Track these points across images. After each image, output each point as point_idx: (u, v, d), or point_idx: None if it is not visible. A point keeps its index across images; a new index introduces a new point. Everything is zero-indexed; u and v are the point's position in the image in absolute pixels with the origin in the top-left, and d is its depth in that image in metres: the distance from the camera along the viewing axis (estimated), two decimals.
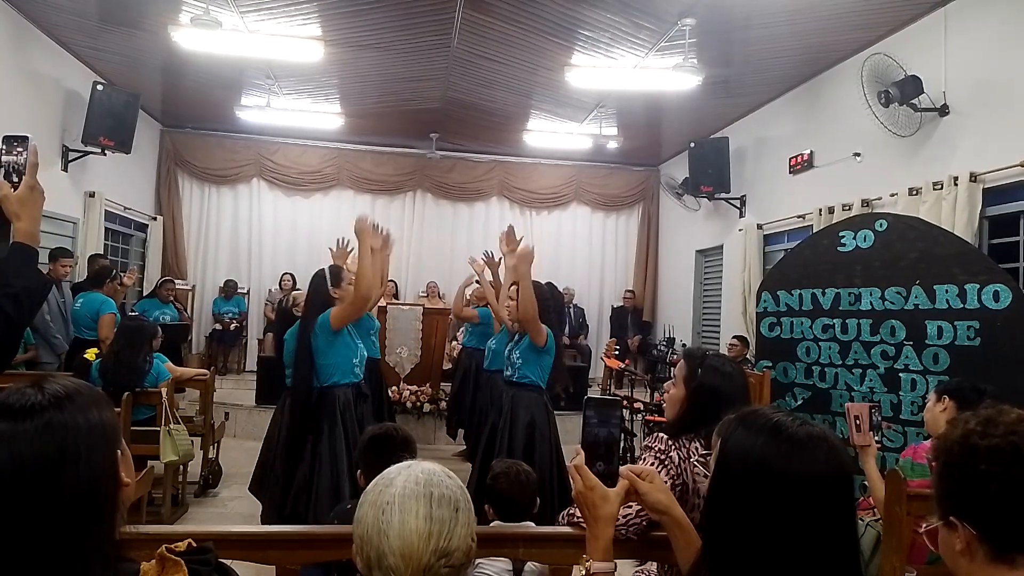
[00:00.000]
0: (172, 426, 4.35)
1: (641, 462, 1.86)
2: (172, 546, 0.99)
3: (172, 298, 8.15)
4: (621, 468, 1.41)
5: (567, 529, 1.76)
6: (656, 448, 1.90)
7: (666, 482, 1.73)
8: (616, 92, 7.29)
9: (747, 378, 2.03)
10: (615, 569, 1.34)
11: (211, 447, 5.34)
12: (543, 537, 1.84)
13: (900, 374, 3.87)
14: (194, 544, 1.02)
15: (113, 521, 0.99)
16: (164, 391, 4.43)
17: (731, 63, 6.56)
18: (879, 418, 2.81)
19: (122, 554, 1.01)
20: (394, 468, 1.12)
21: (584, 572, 1.32)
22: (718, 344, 8.30)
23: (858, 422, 2.72)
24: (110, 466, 1.00)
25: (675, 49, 5.93)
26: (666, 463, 1.85)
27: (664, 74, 6.16)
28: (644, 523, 1.71)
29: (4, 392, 0.98)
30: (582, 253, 10.89)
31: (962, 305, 3.61)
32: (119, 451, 1.04)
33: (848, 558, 1.05)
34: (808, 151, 6.82)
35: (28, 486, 0.92)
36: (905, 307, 3.86)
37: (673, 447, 1.88)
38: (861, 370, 4.05)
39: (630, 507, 1.68)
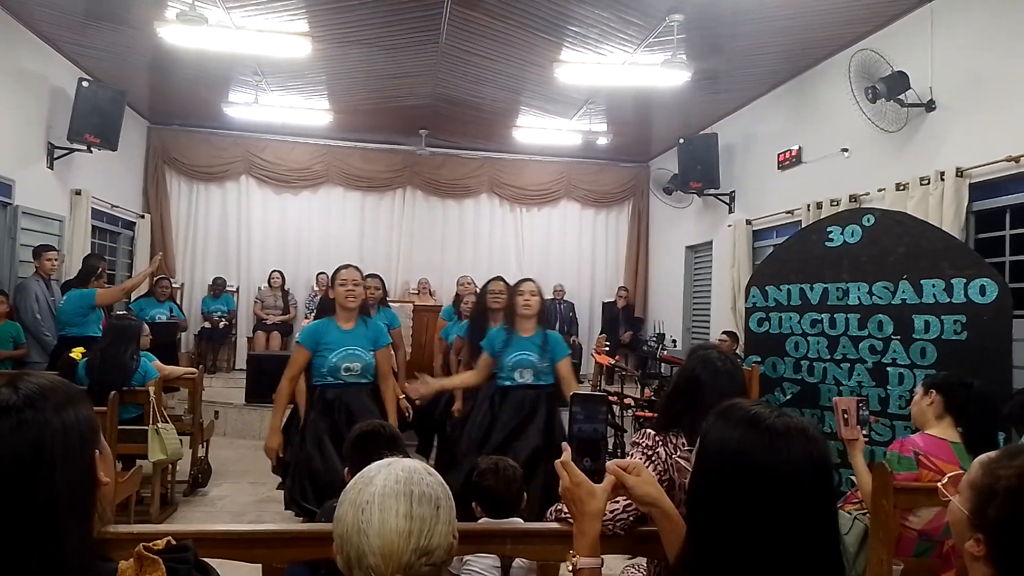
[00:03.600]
0: (160, 425, 4.32)
1: (629, 458, 1.86)
2: (150, 544, 0.98)
3: (169, 296, 8.14)
4: (608, 463, 1.40)
5: (554, 525, 1.76)
6: (643, 444, 1.91)
7: (653, 476, 1.73)
8: (605, 88, 7.29)
9: (740, 373, 2.02)
10: (602, 564, 1.34)
11: (200, 446, 5.31)
12: (530, 533, 1.83)
13: (888, 368, 3.89)
14: (173, 542, 1.01)
15: (91, 520, 0.98)
16: (151, 389, 4.40)
17: (720, 59, 6.57)
18: (867, 412, 2.82)
19: (101, 553, 0.99)
20: (374, 466, 1.11)
21: (571, 568, 1.32)
22: (708, 340, 8.32)
23: (846, 416, 2.73)
24: (87, 465, 0.99)
25: (664, 45, 5.94)
26: (653, 458, 1.86)
27: (653, 70, 6.15)
28: (631, 518, 1.71)
29: None
30: (572, 249, 10.90)
31: (949, 299, 3.63)
32: (97, 450, 1.02)
33: (828, 548, 1.05)
34: (796, 147, 6.84)
35: (3, 487, 0.91)
36: (892, 302, 3.88)
37: (660, 443, 1.89)
38: (849, 364, 4.07)
39: (616, 502, 1.68)
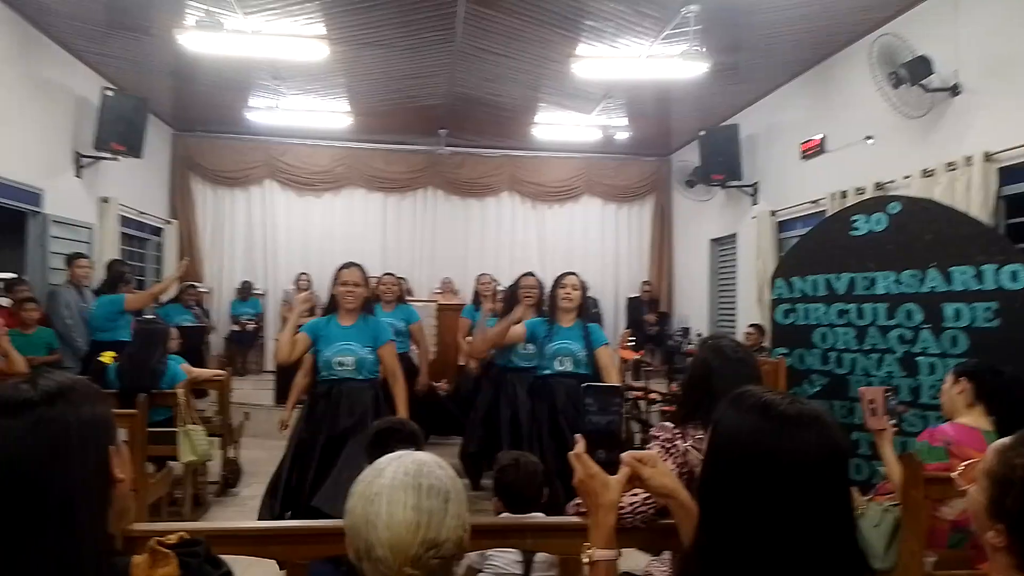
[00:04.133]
0: (189, 426, 4.39)
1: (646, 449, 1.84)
2: (163, 539, 0.99)
3: (194, 303, 8.27)
4: (623, 455, 1.39)
5: (575, 519, 1.75)
6: (662, 437, 1.89)
7: (672, 470, 1.71)
8: (624, 82, 7.24)
9: (753, 360, 1.99)
10: (618, 557, 1.32)
11: (230, 447, 5.38)
12: (550, 527, 1.82)
13: (918, 358, 3.81)
14: (186, 537, 1.02)
15: (105, 516, 1.00)
16: (180, 392, 4.47)
17: (739, 49, 6.49)
18: (895, 402, 2.76)
19: (115, 548, 1.01)
20: (385, 459, 1.11)
21: (586, 560, 1.31)
22: (735, 334, 8.24)
23: (872, 406, 2.68)
24: (102, 462, 1.00)
25: (681, 36, 5.88)
26: (672, 451, 1.84)
27: (671, 62, 6.10)
28: (651, 511, 1.69)
29: (1, 388, 0.99)
30: (594, 245, 10.85)
31: (979, 286, 3.55)
32: (113, 447, 1.03)
33: (844, 536, 1.02)
34: (820, 136, 6.74)
35: (19, 481, 0.93)
36: (921, 290, 3.80)
37: (679, 435, 1.87)
38: (878, 355, 3.99)
39: (636, 495, 1.66)
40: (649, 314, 9.84)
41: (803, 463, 1.01)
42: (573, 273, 4.08)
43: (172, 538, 1.00)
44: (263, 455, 6.43)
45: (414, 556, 1.00)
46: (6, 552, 0.91)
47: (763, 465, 1.02)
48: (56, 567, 0.92)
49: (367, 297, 3.76)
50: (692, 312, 9.45)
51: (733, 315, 8.66)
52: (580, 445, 1.37)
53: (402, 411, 3.53)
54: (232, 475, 5.40)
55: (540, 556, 2.18)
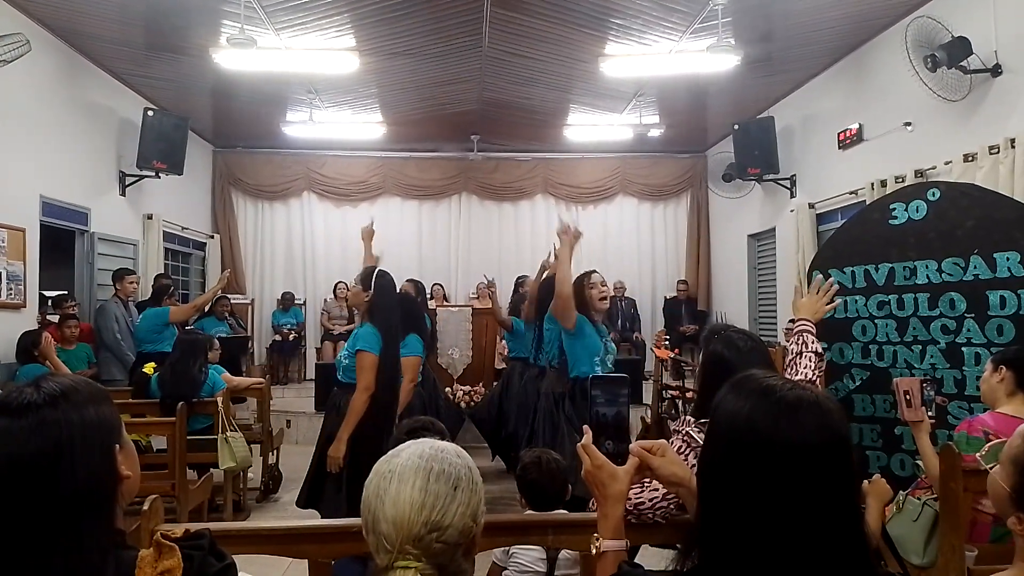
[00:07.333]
0: (229, 433, 4.49)
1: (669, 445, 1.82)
2: (168, 532, 1.02)
3: (227, 314, 8.48)
4: (631, 445, 1.38)
5: (595, 515, 1.74)
6: (683, 432, 1.87)
7: (693, 465, 1.69)
8: (654, 79, 7.18)
9: (763, 348, 1.96)
10: (627, 547, 1.31)
11: (270, 453, 5.48)
12: (571, 523, 1.81)
13: (963, 348, 3.67)
14: (191, 531, 1.05)
15: (111, 512, 1.03)
16: (220, 400, 4.58)
17: (770, 40, 6.38)
18: (932, 393, 2.68)
19: (123, 542, 1.04)
20: (408, 442, 1.15)
21: (594, 551, 1.30)
22: (775, 330, 8.09)
23: (908, 397, 2.61)
24: (106, 460, 1.03)
25: (710, 30, 5.81)
26: (693, 445, 1.81)
27: (700, 56, 6.03)
28: (672, 507, 1.67)
29: (5, 390, 1.03)
30: (630, 245, 10.77)
31: None
32: (117, 445, 1.06)
33: (846, 526, 0.98)
34: (857, 125, 6.59)
35: (25, 481, 0.96)
36: (964, 278, 3.66)
37: (699, 430, 1.84)
38: (921, 346, 3.85)
39: (657, 490, 1.64)
40: (686, 322, 9.71)
41: (801, 448, 0.98)
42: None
43: (177, 531, 1.03)
44: (304, 462, 6.51)
45: (416, 535, 1.02)
46: (16, 548, 0.94)
47: (760, 450, 1.00)
48: (65, 562, 0.95)
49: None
50: (731, 310, 9.30)
51: (774, 312, 8.50)
52: (587, 436, 1.37)
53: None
54: (273, 481, 5.49)
55: (564, 554, 2.17)
